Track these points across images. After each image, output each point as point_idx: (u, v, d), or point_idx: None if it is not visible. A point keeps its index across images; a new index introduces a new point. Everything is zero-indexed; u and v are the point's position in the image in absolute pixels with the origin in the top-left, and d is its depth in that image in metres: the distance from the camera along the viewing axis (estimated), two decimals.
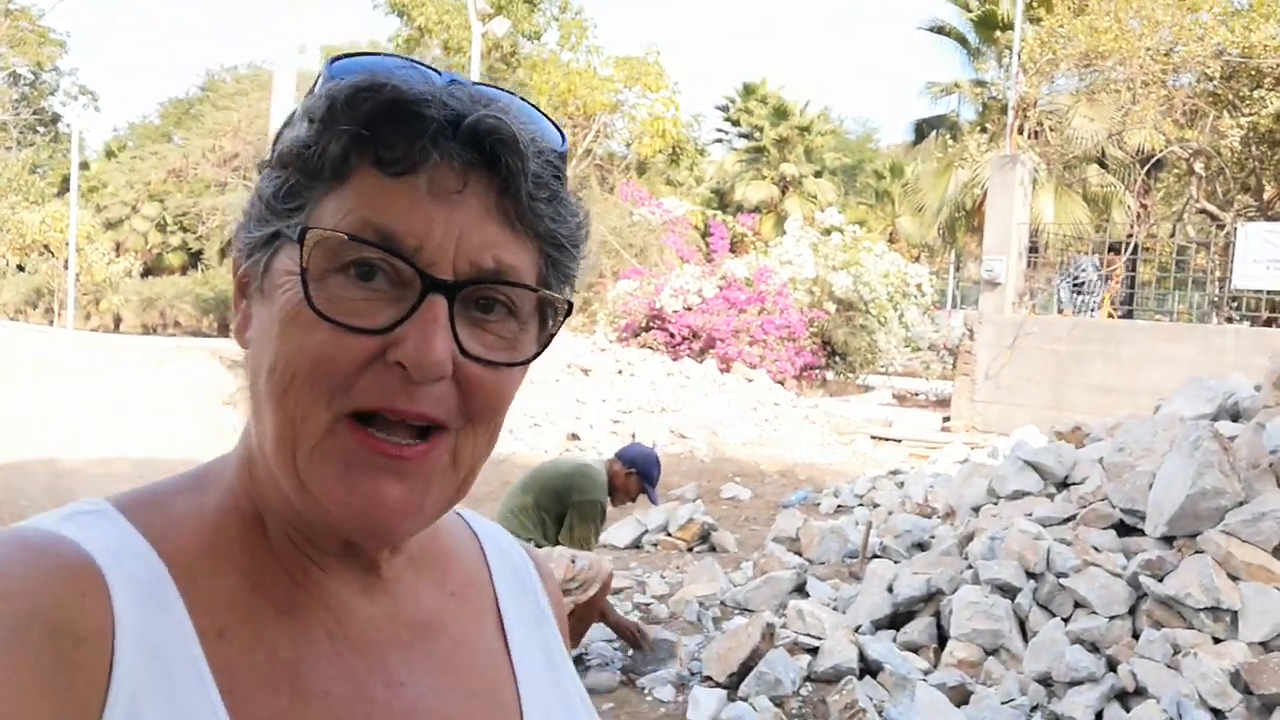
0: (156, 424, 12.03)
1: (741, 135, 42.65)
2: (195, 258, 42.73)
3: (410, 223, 0.63)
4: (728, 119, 43.08)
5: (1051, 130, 20.36)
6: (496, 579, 0.83)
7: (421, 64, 0.68)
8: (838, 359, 18.70)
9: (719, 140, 44.01)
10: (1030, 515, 5.66)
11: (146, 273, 40.91)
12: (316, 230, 0.63)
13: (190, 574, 0.65)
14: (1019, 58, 17.96)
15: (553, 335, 0.71)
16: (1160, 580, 4.68)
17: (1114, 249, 15.83)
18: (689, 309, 17.25)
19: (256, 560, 0.68)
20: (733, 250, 19.64)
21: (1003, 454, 8.39)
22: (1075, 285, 15.35)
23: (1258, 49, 15.88)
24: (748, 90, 42.16)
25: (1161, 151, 17.80)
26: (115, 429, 11.68)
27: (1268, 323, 13.73)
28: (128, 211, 42.25)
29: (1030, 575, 5.10)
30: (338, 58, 0.69)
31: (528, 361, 0.69)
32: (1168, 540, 4.94)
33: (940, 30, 27.52)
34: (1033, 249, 15.92)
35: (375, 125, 0.63)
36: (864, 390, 19.07)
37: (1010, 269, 14.59)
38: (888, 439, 13.66)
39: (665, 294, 17.47)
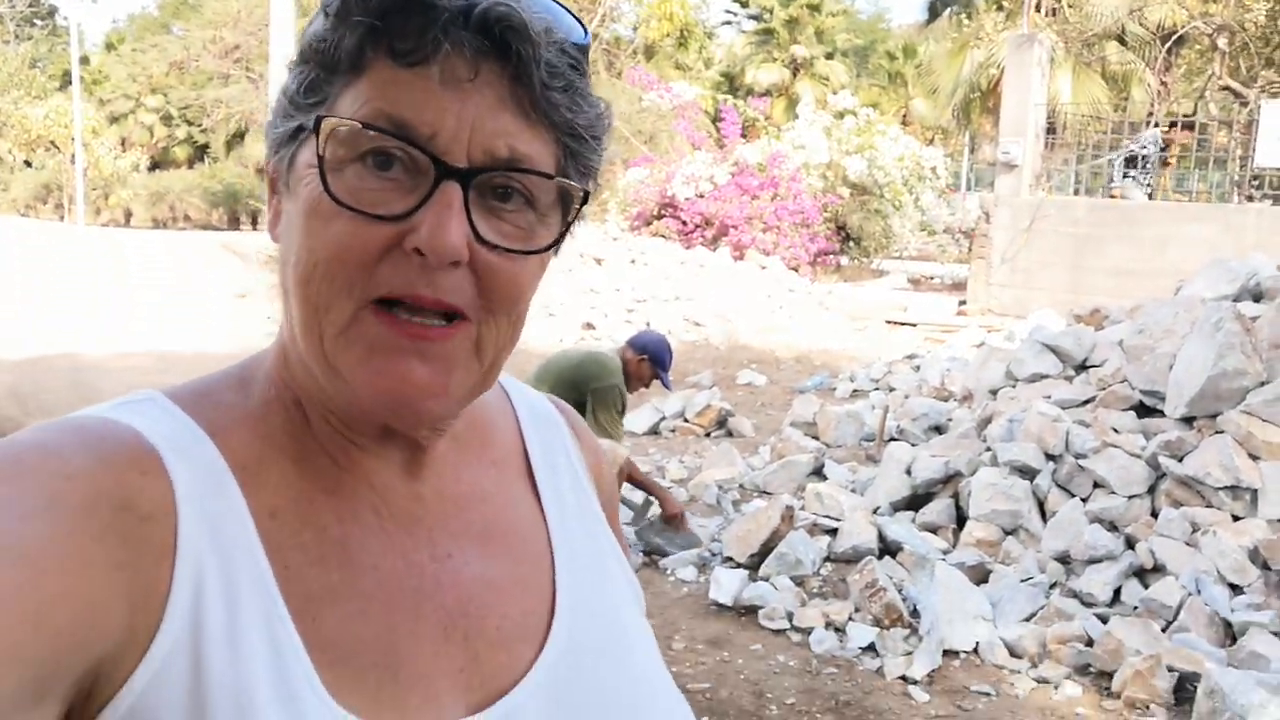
0: (173, 318, 12.06)
1: (751, 17, 41.57)
2: (202, 151, 42.29)
3: (423, 111, 0.63)
4: (737, 0, 41.94)
5: (1070, 7, 19.78)
6: (529, 441, 0.85)
7: None
8: (852, 244, 18.56)
9: (728, 22, 42.97)
10: (1049, 398, 5.68)
11: (154, 166, 40.53)
12: (331, 119, 0.64)
13: (241, 460, 0.67)
14: None
15: (570, 225, 0.71)
16: (1180, 460, 4.71)
17: (1188, 125, 15.19)
18: (701, 196, 17.05)
19: (301, 446, 0.70)
20: (744, 135, 19.31)
21: (1020, 337, 8.37)
22: (1129, 160, 14.80)
23: None
24: None
25: (1184, 27, 17.31)
26: (132, 324, 11.73)
27: None
28: (131, 105, 41.63)
29: (1049, 457, 5.14)
30: None
31: (544, 250, 0.69)
32: (1188, 421, 4.95)
33: None
34: (1050, 130, 15.62)
35: (388, 16, 0.63)
36: (879, 275, 18.98)
37: (1027, 150, 14.35)
38: (903, 323, 13.64)
39: (677, 181, 17.26)
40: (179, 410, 0.68)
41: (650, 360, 5.27)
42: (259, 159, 31.62)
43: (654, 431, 7.92)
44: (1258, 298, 5.87)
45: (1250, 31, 16.86)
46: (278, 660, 0.63)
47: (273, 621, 0.63)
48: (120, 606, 0.58)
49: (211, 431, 0.68)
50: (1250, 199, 14.66)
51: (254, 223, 31.18)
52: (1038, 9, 19.57)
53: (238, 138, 38.56)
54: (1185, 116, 15.92)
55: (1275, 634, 3.84)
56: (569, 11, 0.70)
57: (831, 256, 17.98)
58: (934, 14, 29.48)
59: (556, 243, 0.71)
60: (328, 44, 0.65)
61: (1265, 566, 4.17)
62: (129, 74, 41.49)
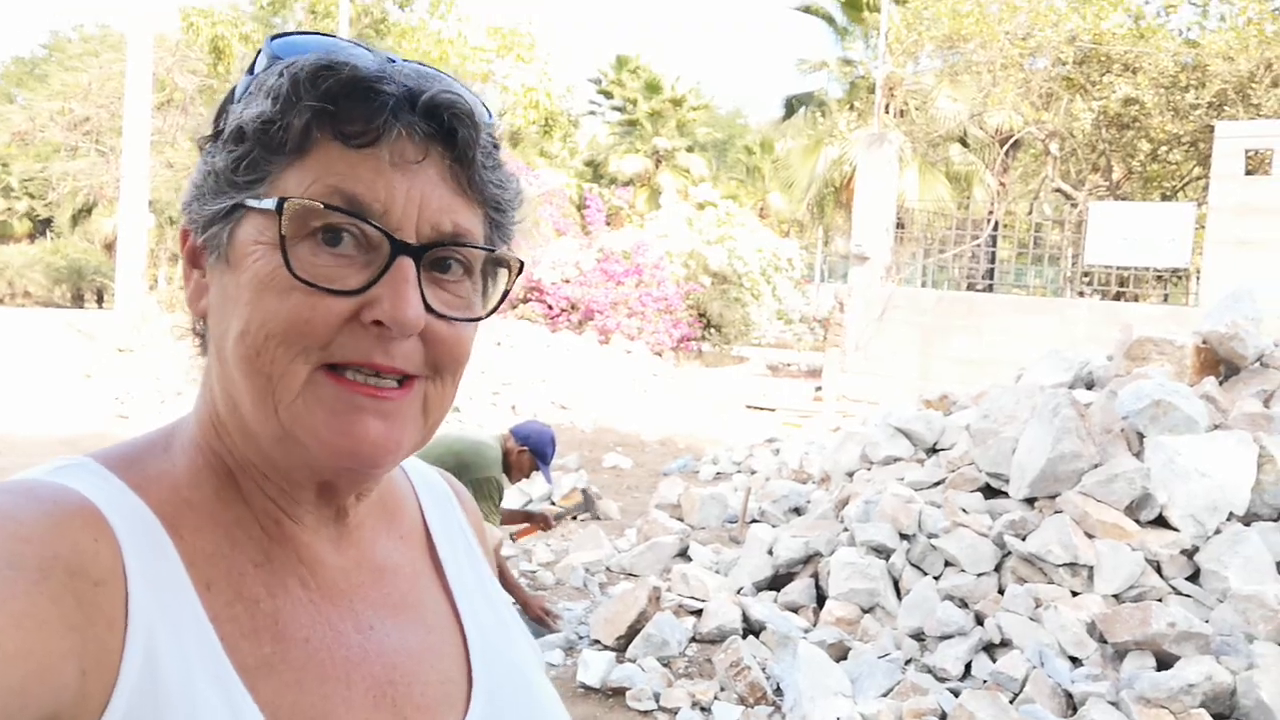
0: (12, 398, 11.44)
1: (614, 108, 42.58)
2: (44, 225, 40.50)
3: (375, 190, 0.67)
4: (601, 91, 42.94)
5: (916, 110, 20.99)
6: (428, 514, 0.88)
7: (359, 43, 0.73)
8: (713, 331, 19.01)
9: (592, 113, 43.86)
10: (902, 480, 5.92)
11: None
12: (295, 200, 0.67)
13: (177, 528, 0.69)
14: (886, 38, 18.45)
15: (508, 292, 0.78)
16: (1023, 539, 4.96)
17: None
18: (567, 281, 17.26)
19: (232, 514, 0.72)
20: (609, 223, 19.70)
21: (873, 422, 8.71)
22: None
23: (1107, 36, 16.70)
24: (620, 63, 42.09)
25: (1019, 132, 18.58)
26: None
27: (1116, 296, 14.53)
28: None
29: (903, 536, 5.34)
30: (276, 36, 0.74)
31: (486, 316, 0.76)
32: (1030, 501, 5.24)
33: (809, 10, 28.00)
34: (899, 225, 16.44)
35: (337, 101, 0.67)
36: (739, 361, 19.44)
37: (878, 244, 15.05)
38: (763, 408, 13.98)
39: (543, 266, 17.45)
40: (114, 476, 0.69)
41: (532, 452, 5.20)
42: (108, 234, 30.46)
43: None
44: (1090, 385, 6.29)
45: (1078, 138, 18.19)
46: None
47: (226, 685, 0.65)
48: (71, 668, 0.59)
49: (146, 499, 0.69)
50: (1081, 294, 15.69)
51: (99, 300, 29.90)
52: (886, 110, 20.71)
53: (84, 212, 37.13)
54: (988, 216, 16.94)
55: (1112, 703, 4.05)
56: (477, 92, 0.76)
57: (693, 343, 18.35)
58: (790, 111, 30.74)
59: (496, 308, 0.77)
60: (275, 126, 0.68)
61: (1102, 640, 4.41)
62: None
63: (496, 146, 0.74)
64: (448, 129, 0.69)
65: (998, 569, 5.02)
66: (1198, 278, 13.70)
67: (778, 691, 4.42)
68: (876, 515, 5.47)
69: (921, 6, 18.06)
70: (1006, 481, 5.43)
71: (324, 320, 0.67)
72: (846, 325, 14.82)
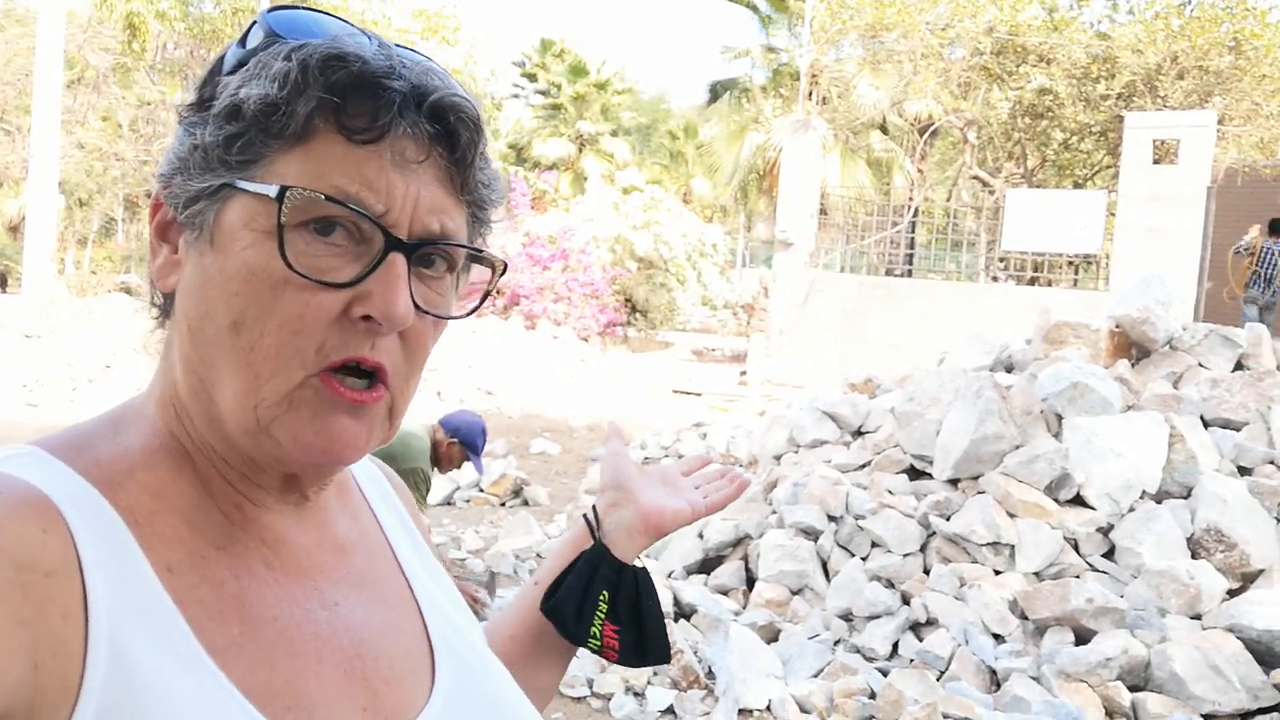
0: None
1: (539, 92, 42.29)
2: None
3: (376, 188, 0.67)
4: (524, 74, 42.61)
5: (839, 97, 21.23)
6: (366, 492, 0.88)
7: (350, 23, 0.73)
8: (639, 316, 19.04)
9: (515, 96, 43.52)
10: (829, 462, 6.01)
11: None
12: (299, 190, 0.66)
13: (133, 513, 0.67)
14: (810, 26, 18.60)
15: (489, 293, 0.78)
16: (948, 519, 5.08)
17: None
18: None
19: (191, 499, 0.71)
20: (533, 207, 19.58)
21: (799, 406, 8.82)
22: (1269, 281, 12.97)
23: (1023, 28, 17.06)
24: (545, 47, 41.78)
25: (938, 120, 18.90)
26: None
27: (1031, 281, 14.89)
28: None
29: (831, 518, 5.42)
30: (274, 9, 0.72)
31: (468, 315, 0.76)
32: (953, 482, 5.36)
33: None
34: (822, 211, 16.63)
35: (345, 94, 0.67)
36: (665, 346, 19.51)
37: (803, 230, 15.21)
38: (689, 393, 14.06)
39: None
40: (61, 464, 0.67)
41: (461, 443, 5.14)
42: (13, 216, 29.38)
43: (448, 502, 7.82)
44: (1009, 369, 6.44)
45: (995, 127, 18.56)
46: (213, 706, 0.63)
47: (196, 670, 0.64)
48: (21, 664, 0.57)
49: (99, 485, 0.67)
50: (996, 279, 16.05)
51: (3, 285, 28.86)
52: (810, 97, 20.90)
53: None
54: (907, 203, 17.29)
55: (1034, 678, 4.18)
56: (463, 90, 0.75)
57: (620, 328, 18.36)
58: (714, 97, 30.89)
59: (478, 307, 0.76)
60: (278, 111, 0.66)
61: (1023, 616, 4.53)
62: None
63: (486, 144, 0.74)
64: (451, 131, 0.69)
65: (923, 549, 5.13)
66: (1108, 263, 14.10)
67: (710, 674, 4.47)
68: (804, 498, 5.54)
69: None
70: (931, 463, 5.55)
71: (317, 316, 0.67)
72: (771, 310, 14.96)
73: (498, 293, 16.88)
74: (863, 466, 5.90)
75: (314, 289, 0.66)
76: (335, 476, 0.80)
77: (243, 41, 0.72)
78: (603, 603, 1.03)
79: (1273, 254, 12.86)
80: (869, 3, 17.56)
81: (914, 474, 5.65)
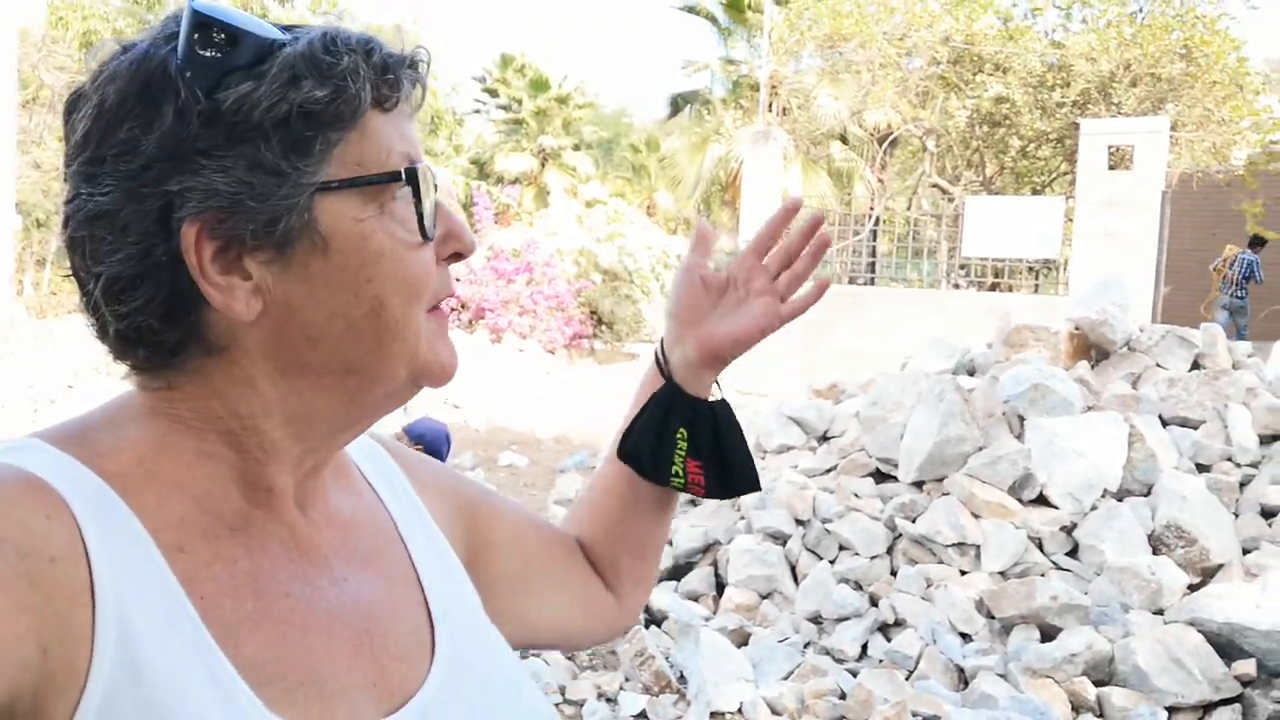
0: None
1: (500, 107, 42.30)
2: None
3: (414, 143, 0.75)
4: (486, 90, 42.60)
5: (799, 108, 21.40)
6: (367, 474, 0.89)
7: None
8: (605, 328, 19.05)
9: (477, 111, 43.51)
10: (796, 467, 6.05)
11: None
12: (421, 166, 0.73)
13: (139, 499, 0.67)
14: (769, 38, 18.77)
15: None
16: (913, 521, 5.13)
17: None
18: (457, 280, 17.04)
19: (205, 486, 0.71)
20: (497, 221, 19.58)
21: (765, 412, 8.86)
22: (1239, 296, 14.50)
23: (979, 37, 17.29)
24: (505, 62, 41.81)
25: (898, 130, 19.09)
26: None
27: (992, 287, 15.07)
28: None
29: (799, 522, 5.46)
30: (290, 26, 0.72)
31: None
32: (918, 484, 5.41)
33: (692, 10, 28.28)
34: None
35: (383, 75, 0.72)
36: (631, 358, 19.51)
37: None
38: None
39: None
40: (62, 453, 0.68)
41: (426, 449, 5.14)
42: None
43: None
44: (971, 372, 6.52)
45: (953, 135, 18.79)
46: (217, 687, 0.64)
47: (202, 651, 0.65)
48: (29, 649, 0.58)
49: (102, 473, 0.67)
50: (957, 286, 16.23)
51: None
52: (770, 109, 21.06)
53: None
54: (868, 212, 17.48)
55: (1001, 675, 4.22)
56: None
57: (586, 340, 18.37)
58: (675, 110, 31.02)
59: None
60: (338, 102, 0.69)
61: (990, 615, 4.59)
62: None
63: None
64: (422, 78, 0.77)
65: (890, 551, 5.17)
66: (1067, 268, 14.29)
67: (682, 679, 4.48)
68: (772, 503, 5.57)
69: (803, 7, 18.42)
70: (896, 466, 5.60)
71: (429, 270, 0.74)
72: None
73: (462, 306, 16.86)
74: (829, 471, 5.95)
75: (425, 247, 0.73)
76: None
77: (200, 46, 0.66)
78: (681, 440, 1.03)
79: (1245, 262, 14.06)
80: (826, 14, 17.73)
81: (880, 477, 5.70)
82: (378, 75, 0.71)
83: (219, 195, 0.66)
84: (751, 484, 1.06)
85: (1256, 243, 14.69)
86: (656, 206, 34.68)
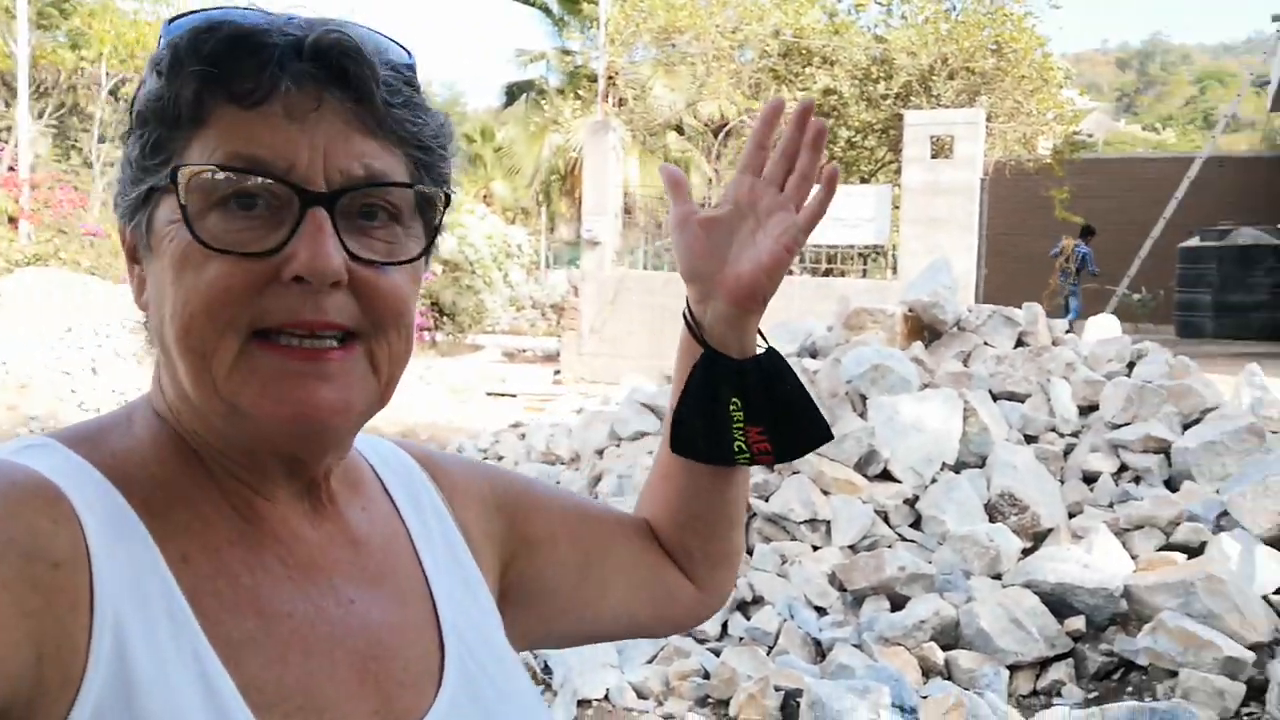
0: None
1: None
2: None
3: (275, 147, 0.65)
4: None
5: (635, 99, 21.58)
6: (388, 483, 0.85)
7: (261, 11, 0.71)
8: (447, 320, 18.80)
9: None
10: (652, 453, 6.13)
11: None
12: (188, 166, 0.65)
13: (147, 505, 0.66)
14: (605, 28, 18.86)
15: (438, 230, 0.74)
16: (766, 500, 5.27)
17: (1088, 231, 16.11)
18: None
19: (202, 494, 0.70)
20: None
21: (617, 400, 8.94)
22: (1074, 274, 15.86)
23: (807, 31, 17.82)
24: None
25: (732, 120, 19.50)
26: None
27: (826, 273, 15.58)
28: None
29: None
30: (175, 18, 0.71)
31: (415, 259, 0.72)
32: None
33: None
34: (626, 210, 16.88)
35: (221, 62, 0.65)
36: (475, 350, 19.33)
37: (608, 229, 15.40)
38: (504, 395, 13.99)
39: None
40: (76, 455, 0.67)
41: None
42: None
43: None
44: (814, 354, 6.74)
45: (785, 126, 19.33)
46: (213, 700, 0.62)
47: (202, 662, 0.63)
48: (25, 655, 0.57)
49: (113, 477, 0.66)
50: (792, 272, 16.71)
51: None
52: (607, 99, 21.17)
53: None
54: (703, 202, 17.85)
55: (856, 646, 4.40)
56: (391, 39, 0.74)
57: (427, 332, 18.09)
58: (511, 99, 30.81)
59: (426, 250, 0.74)
60: (165, 100, 0.66)
61: (842, 588, 4.76)
62: None
63: (410, 84, 0.72)
64: (339, 71, 0.67)
65: (745, 530, 5.30)
66: (895, 253, 14.90)
67: (546, 669, 4.49)
68: (630, 489, 5.64)
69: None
70: None
71: (243, 285, 0.65)
72: (581, 309, 15.07)
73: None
74: None
75: (238, 261, 0.65)
76: (342, 463, 0.78)
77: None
78: (735, 411, 0.93)
79: (1080, 255, 15.53)
80: (660, 6, 17.94)
81: None
82: (218, 68, 0.65)
83: (116, 186, 0.72)
84: (823, 434, 0.96)
85: (1087, 233, 16.05)
86: (493, 196, 34.40)
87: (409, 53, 0.74)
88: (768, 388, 0.93)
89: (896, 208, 14.78)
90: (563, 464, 7.63)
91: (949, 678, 4.17)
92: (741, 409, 0.92)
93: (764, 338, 0.96)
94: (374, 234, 0.70)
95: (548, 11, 27.84)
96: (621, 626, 1.02)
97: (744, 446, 0.93)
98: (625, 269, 15.44)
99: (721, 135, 20.32)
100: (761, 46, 17.87)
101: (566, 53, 27.83)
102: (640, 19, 18.37)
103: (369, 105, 0.68)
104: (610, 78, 21.07)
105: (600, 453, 6.72)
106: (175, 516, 0.67)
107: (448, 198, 0.75)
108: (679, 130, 22.77)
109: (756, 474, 5.49)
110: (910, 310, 6.74)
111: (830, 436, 0.97)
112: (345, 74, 0.67)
